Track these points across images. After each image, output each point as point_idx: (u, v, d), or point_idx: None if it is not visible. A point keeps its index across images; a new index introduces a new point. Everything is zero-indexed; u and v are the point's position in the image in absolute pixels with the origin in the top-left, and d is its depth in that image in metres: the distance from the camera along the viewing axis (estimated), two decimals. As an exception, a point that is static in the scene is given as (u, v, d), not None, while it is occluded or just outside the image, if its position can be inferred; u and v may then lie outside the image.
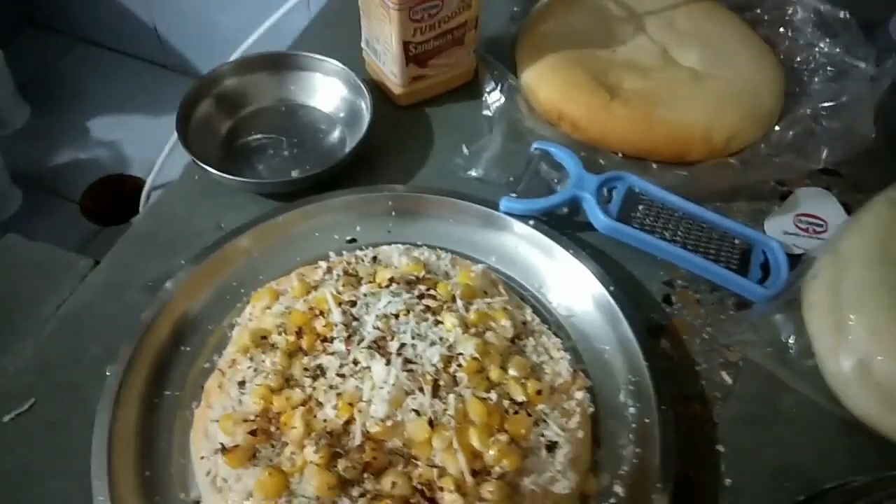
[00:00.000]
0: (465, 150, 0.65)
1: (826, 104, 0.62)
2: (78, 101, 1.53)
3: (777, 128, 0.64)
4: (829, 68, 0.67)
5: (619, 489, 0.45)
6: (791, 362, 0.51)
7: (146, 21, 1.54)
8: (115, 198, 1.38)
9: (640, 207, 0.59)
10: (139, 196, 1.23)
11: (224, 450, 0.42)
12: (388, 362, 0.44)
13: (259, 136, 0.67)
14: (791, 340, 0.52)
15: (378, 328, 0.46)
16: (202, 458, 0.43)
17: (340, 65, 0.68)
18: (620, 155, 0.65)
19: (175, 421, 0.47)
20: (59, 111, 1.52)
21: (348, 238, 0.58)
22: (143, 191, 1.21)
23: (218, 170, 0.59)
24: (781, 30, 0.73)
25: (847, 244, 0.52)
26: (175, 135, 0.62)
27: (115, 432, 0.45)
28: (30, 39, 1.62)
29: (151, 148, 1.15)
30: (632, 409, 0.48)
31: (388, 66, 0.67)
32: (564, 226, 0.59)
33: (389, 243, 0.56)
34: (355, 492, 0.40)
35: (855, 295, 0.48)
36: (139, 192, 1.23)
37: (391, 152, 0.66)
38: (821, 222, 0.60)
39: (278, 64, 0.69)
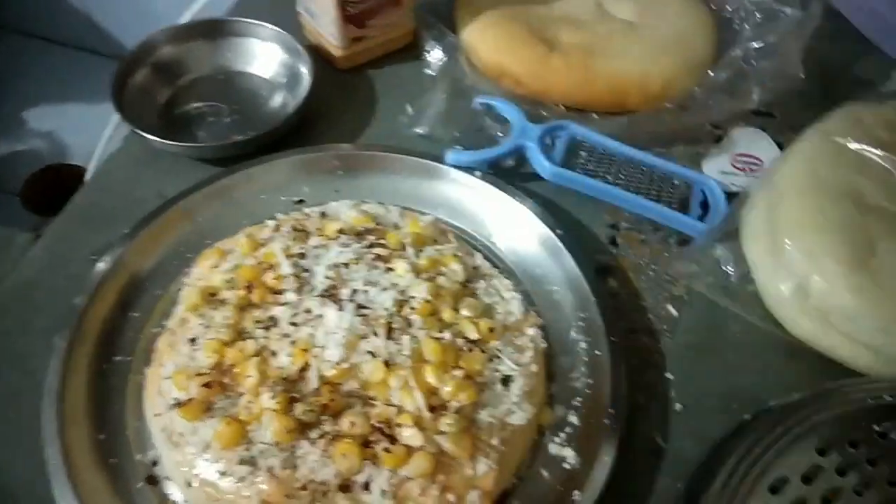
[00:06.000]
0: (410, 110, 0.65)
1: (756, 46, 0.64)
2: (12, 93, 1.47)
3: (710, 72, 0.66)
4: (757, 14, 0.69)
5: (573, 419, 0.46)
6: (732, 291, 0.53)
7: (79, 7, 1.49)
8: (56, 187, 1.34)
9: (583, 154, 0.60)
10: (81, 184, 1.20)
11: (178, 404, 0.41)
12: (341, 308, 0.44)
13: (199, 104, 0.66)
14: (731, 270, 0.53)
15: (329, 278, 0.46)
16: (157, 415, 0.43)
17: (277, 29, 0.67)
18: (562, 107, 0.66)
19: (127, 385, 0.47)
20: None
21: (296, 199, 0.58)
22: (85, 178, 1.18)
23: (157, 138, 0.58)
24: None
25: (781, 175, 0.54)
26: (115, 119, 0.61)
27: (65, 399, 0.44)
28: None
29: (91, 135, 1.11)
30: (583, 345, 0.49)
31: (326, 27, 0.67)
32: (510, 177, 0.59)
33: (338, 201, 0.56)
34: (314, 434, 0.40)
35: (790, 221, 0.50)
36: (81, 180, 1.20)
37: (335, 115, 0.66)
38: (756, 161, 0.62)
39: (214, 31, 0.68)
